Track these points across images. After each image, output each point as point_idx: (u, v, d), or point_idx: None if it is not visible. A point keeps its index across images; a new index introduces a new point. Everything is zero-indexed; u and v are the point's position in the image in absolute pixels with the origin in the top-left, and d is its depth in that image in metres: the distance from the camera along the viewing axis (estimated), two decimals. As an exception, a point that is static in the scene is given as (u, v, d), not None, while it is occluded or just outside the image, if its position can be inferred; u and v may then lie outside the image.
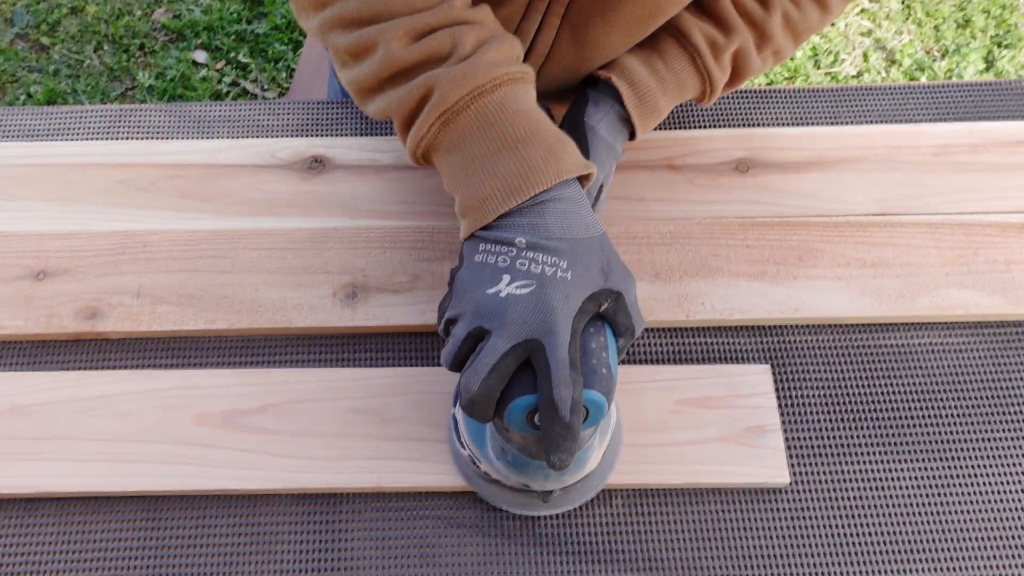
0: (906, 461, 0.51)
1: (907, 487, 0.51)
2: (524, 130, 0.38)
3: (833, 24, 1.43)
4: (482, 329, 0.36)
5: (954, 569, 0.48)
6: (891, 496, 0.50)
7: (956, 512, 0.50)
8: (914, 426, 0.53)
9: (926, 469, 0.51)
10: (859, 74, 1.37)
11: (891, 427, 0.53)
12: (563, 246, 0.37)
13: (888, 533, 0.49)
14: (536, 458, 0.41)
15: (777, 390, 0.53)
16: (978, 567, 0.48)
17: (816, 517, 0.50)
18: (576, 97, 0.53)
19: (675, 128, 0.64)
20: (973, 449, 0.52)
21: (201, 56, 1.37)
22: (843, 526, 0.50)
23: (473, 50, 0.39)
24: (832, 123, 0.64)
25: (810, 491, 0.50)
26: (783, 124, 0.65)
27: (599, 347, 0.37)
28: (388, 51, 0.39)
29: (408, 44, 0.39)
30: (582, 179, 0.40)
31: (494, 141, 0.38)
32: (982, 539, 0.49)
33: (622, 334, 0.39)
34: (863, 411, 0.53)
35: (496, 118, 0.38)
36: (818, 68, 1.38)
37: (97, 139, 0.63)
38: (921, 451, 0.52)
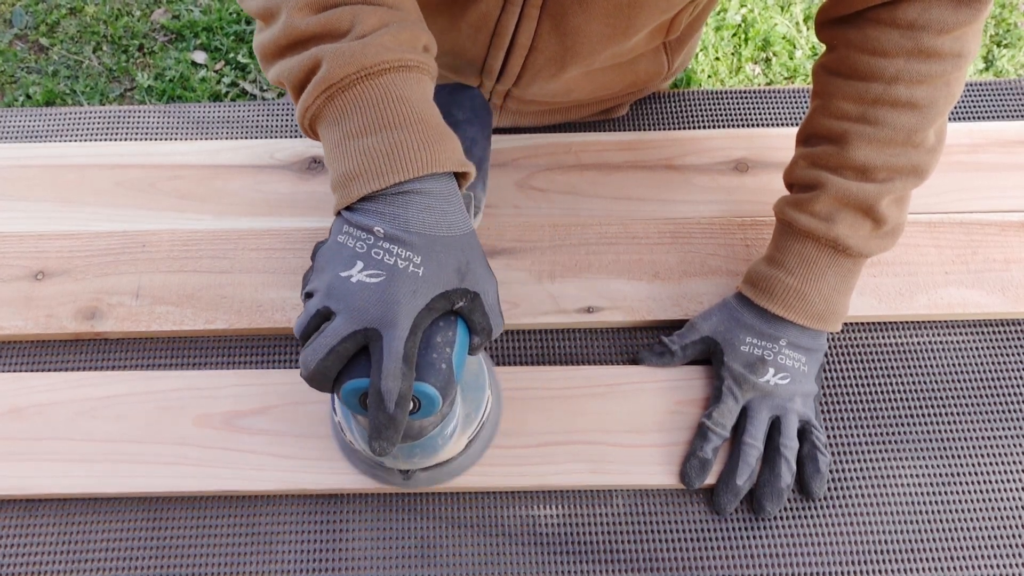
0: (906, 460, 0.51)
1: (907, 487, 0.51)
2: (403, 117, 0.38)
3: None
4: (329, 310, 0.37)
5: (954, 568, 0.48)
6: (891, 496, 0.50)
7: (956, 511, 0.50)
8: (914, 425, 0.53)
9: (926, 468, 0.51)
10: (858, 73, 1.36)
11: (891, 426, 0.53)
12: (420, 241, 0.37)
13: (888, 532, 0.49)
14: None
15: (777, 390, 0.53)
16: (978, 566, 0.48)
17: (816, 516, 0.50)
18: None
19: (675, 128, 0.64)
20: (973, 448, 0.52)
21: (200, 57, 1.37)
22: (843, 525, 0.50)
23: (371, 31, 0.39)
24: (831, 122, 0.64)
25: (810, 490, 0.50)
26: (783, 124, 0.65)
27: (445, 342, 0.38)
28: (288, 19, 0.39)
29: (308, 15, 0.39)
30: (460, 178, 0.40)
31: (371, 122, 0.38)
32: (982, 538, 0.49)
33: (478, 333, 0.40)
34: (863, 410, 0.53)
35: (377, 100, 0.38)
36: (817, 68, 1.37)
37: (96, 140, 0.63)
38: (921, 450, 0.52)
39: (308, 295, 0.38)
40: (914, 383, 0.54)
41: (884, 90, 0.47)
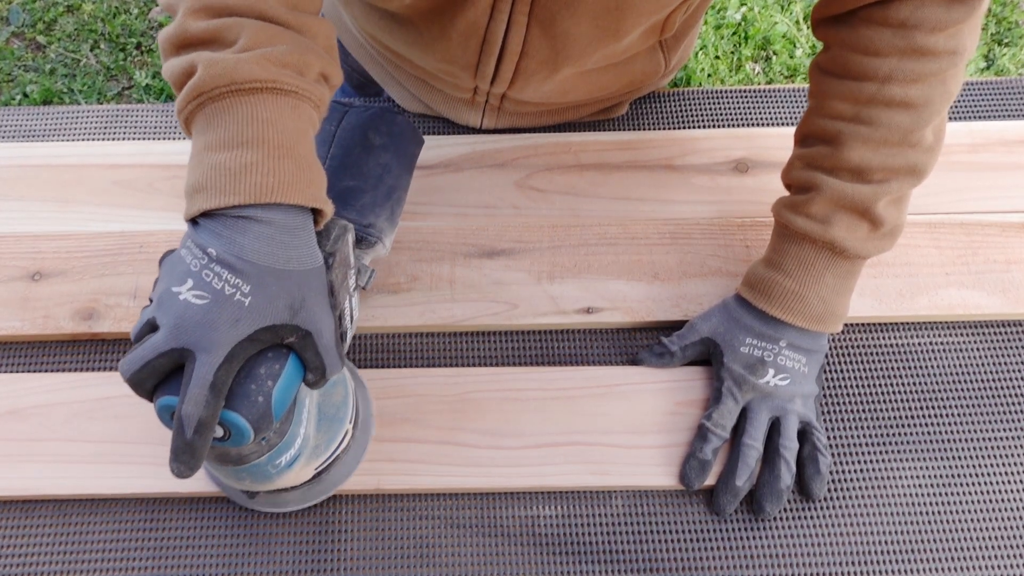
0: (906, 461, 0.51)
1: (907, 487, 0.51)
2: (262, 140, 0.37)
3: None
4: (155, 321, 0.37)
5: (954, 569, 0.48)
6: (891, 496, 0.50)
7: (956, 511, 0.50)
8: (914, 426, 0.53)
9: (926, 469, 0.51)
10: (858, 72, 1.36)
11: (891, 427, 0.53)
12: (251, 271, 0.36)
13: (888, 532, 0.49)
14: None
15: (777, 390, 0.53)
16: (978, 567, 0.48)
17: (816, 517, 0.50)
18: None
19: (674, 128, 0.64)
20: (973, 449, 0.52)
21: (198, 55, 1.37)
22: (843, 526, 0.49)
23: (254, 47, 0.38)
24: (831, 122, 0.64)
25: (810, 491, 0.50)
26: (783, 124, 0.64)
27: (268, 375, 0.37)
28: (182, 20, 0.39)
29: (200, 19, 0.39)
30: (318, 214, 0.39)
31: (230, 138, 0.37)
32: (982, 539, 0.49)
33: (311, 371, 0.39)
34: (863, 411, 0.53)
35: (242, 118, 0.37)
36: (817, 66, 1.37)
37: (93, 139, 0.63)
38: (921, 451, 0.52)
39: (151, 300, 0.38)
40: (914, 384, 0.54)
41: (878, 89, 0.46)
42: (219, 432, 0.37)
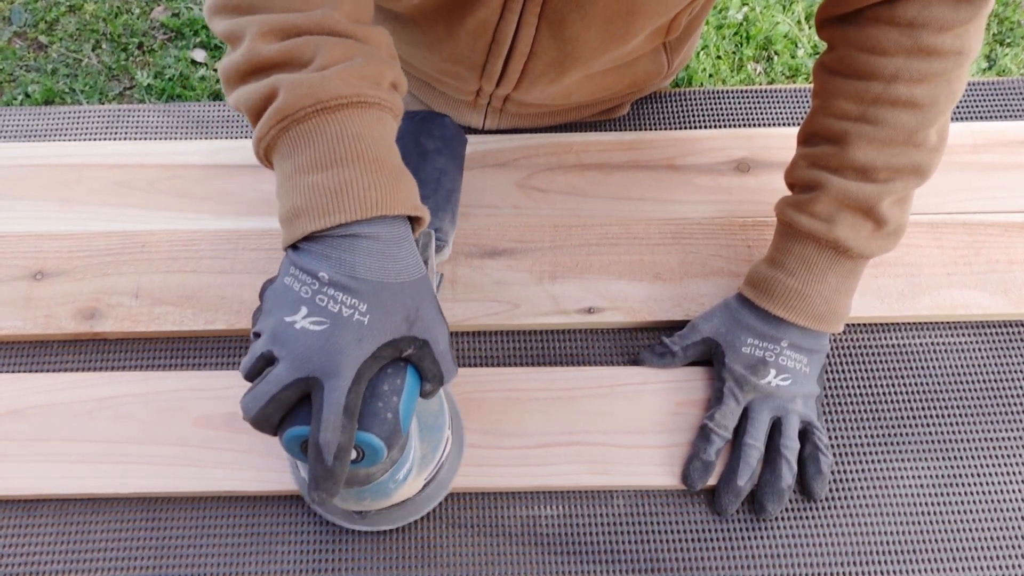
0: (907, 461, 0.51)
1: (908, 487, 0.51)
2: (356, 155, 0.37)
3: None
4: (272, 354, 0.36)
5: (955, 569, 0.48)
6: (892, 496, 0.50)
7: (957, 512, 0.50)
8: (916, 426, 0.53)
9: (927, 469, 0.51)
10: (860, 72, 1.36)
11: (893, 427, 0.52)
12: (366, 288, 0.36)
13: (889, 532, 0.49)
14: None
15: (778, 390, 0.53)
16: (979, 567, 0.48)
17: (817, 517, 0.50)
18: None
19: (676, 128, 0.64)
20: (974, 449, 0.52)
21: (200, 55, 1.37)
22: (844, 525, 0.49)
23: (332, 64, 0.38)
24: (833, 122, 0.64)
25: (811, 492, 0.50)
26: (785, 124, 0.64)
27: (391, 390, 0.37)
28: (251, 45, 0.38)
29: (271, 42, 0.38)
30: (413, 222, 0.39)
31: (323, 158, 0.37)
32: (983, 539, 0.49)
33: (429, 380, 0.39)
34: (865, 411, 0.53)
35: (331, 136, 0.37)
36: (819, 66, 1.37)
37: (95, 139, 0.63)
38: (922, 451, 0.52)
39: (256, 335, 0.37)
40: (916, 384, 0.54)
41: (884, 89, 0.46)
42: (353, 454, 0.37)
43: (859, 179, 0.48)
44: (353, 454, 0.37)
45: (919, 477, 0.51)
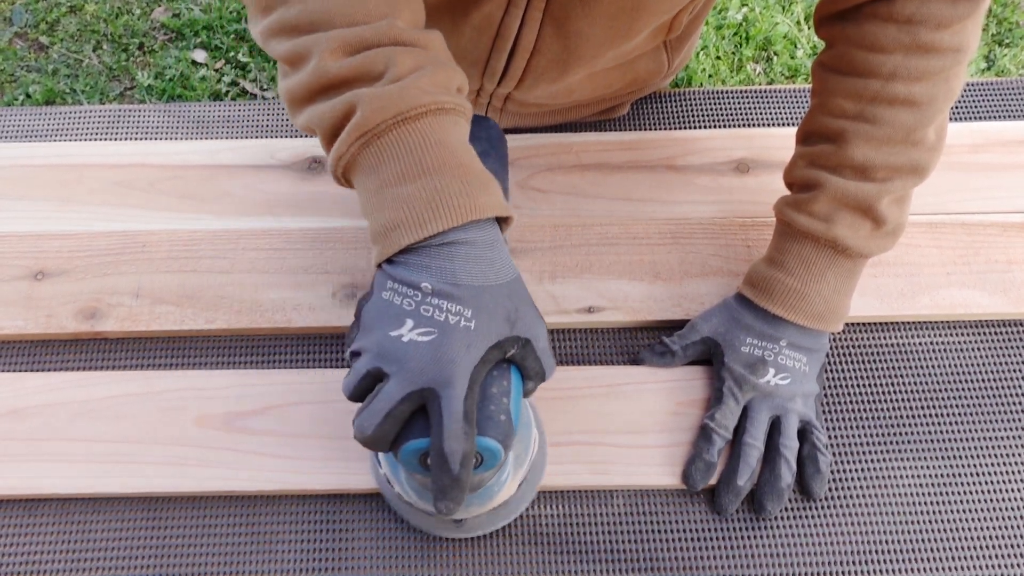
0: (906, 461, 0.51)
1: (907, 487, 0.51)
2: (442, 162, 0.37)
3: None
4: (381, 371, 0.36)
5: (954, 569, 0.48)
6: (891, 496, 0.50)
7: (956, 512, 0.50)
8: (915, 425, 0.53)
9: (926, 469, 0.51)
10: (859, 73, 1.36)
11: (892, 426, 0.53)
12: (468, 294, 0.36)
13: (889, 532, 0.49)
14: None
15: (778, 390, 0.53)
16: (978, 567, 0.48)
17: (817, 516, 0.50)
18: None
19: (675, 128, 0.64)
20: (974, 449, 0.52)
21: (200, 55, 1.37)
22: (843, 525, 0.50)
23: (406, 74, 0.38)
24: (832, 122, 0.64)
25: (811, 491, 0.50)
26: (784, 124, 0.64)
27: (500, 392, 0.37)
28: (320, 63, 0.38)
29: (341, 58, 0.38)
30: (501, 223, 0.39)
31: (411, 169, 0.37)
32: (982, 539, 0.49)
33: (531, 378, 0.39)
34: (864, 410, 0.53)
35: (416, 146, 0.37)
36: (818, 67, 1.37)
37: (96, 139, 0.63)
38: (922, 451, 0.52)
39: (354, 354, 0.37)
40: (915, 384, 0.54)
41: (882, 87, 0.46)
42: (473, 463, 0.37)
43: (857, 178, 0.48)
44: (473, 462, 0.37)
45: (918, 476, 0.51)
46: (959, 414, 0.53)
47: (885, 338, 0.56)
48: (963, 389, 0.54)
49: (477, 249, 0.37)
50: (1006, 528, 0.49)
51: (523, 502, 0.48)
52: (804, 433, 0.50)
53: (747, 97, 0.66)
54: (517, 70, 0.54)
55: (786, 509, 0.50)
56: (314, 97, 0.39)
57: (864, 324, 0.56)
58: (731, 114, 0.65)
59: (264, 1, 0.40)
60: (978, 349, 0.55)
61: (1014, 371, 0.54)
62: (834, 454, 0.52)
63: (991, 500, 0.50)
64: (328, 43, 0.38)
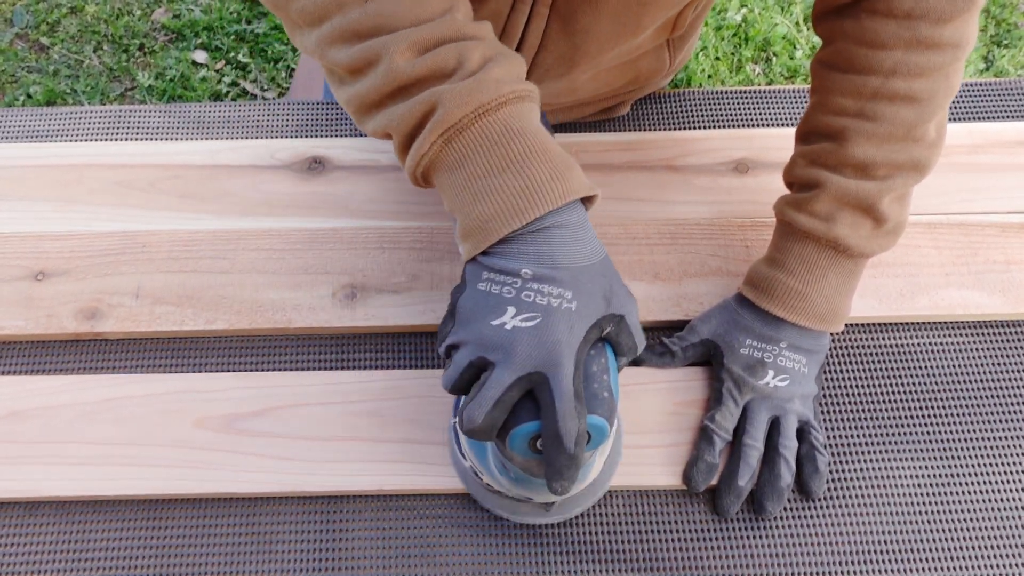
0: (906, 461, 0.51)
1: (907, 487, 0.51)
2: (529, 149, 0.37)
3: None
4: (485, 360, 0.36)
5: (954, 569, 0.48)
6: (891, 496, 0.50)
7: (956, 512, 0.50)
8: (914, 426, 0.53)
9: (926, 469, 0.51)
10: (859, 73, 1.36)
11: (891, 427, 0.53)
12: (567, 276, 0.36)
13: (888, 532, 0.49)
14: (538, 477, 0.42)
15: (777, 390, 0.53)
16: (978, 567, 0.48)
17: (816, 516, 0.50)
18: None
19: (675, 128, 0.64)
20: (973, 449, 0.52)
21: (201, 56, 1.37)
22: (843, 525, 0.50)
23: (479, 67, 0.38)
24: (832, 123, 0.64)
25: (810, 491, 0.50)
26: (783, 124, 0.65)
27: (600, 370, 0.38)
28: (392, 64, 0.37)
29: (413, 58, 0.38)
30: (585, 202, 0.40)
31: (498, 160, 0.37)
32: (982, 539, 0.49)
33: (624, 353, 0.40)
34: (863, 411, 0.53)
35: (500, 137, 0.37)
36: (818, 67, 1.37)
37: (96, 140, 0.63)
38: (921, 451, 0.52)
39: (452, 347, 0.37)
40: (914, 384, 0.54)
41: (882, 83, 0.46)
42: (586, 441, 0.37)
43: (858, 176, 0.48)
44: (586, 441, 0.37)
45: (917, 476, 0.51)
46: (958, 414, 0.53)
47: (884, 338, 0.56)
48: (962, 389, 0.54)
49: (571, 231, 0.37)
50: (1006, 528, 0.49)
51: (606, 482, 0.48)
52: (802, 433, 0.50)
53: (746, 98, 0.66)
54: None
55: (785, 509, 0.50)
56: (388, 100, 0.39)
57: (863, 324, 0.56)
58: (730, 115, 0.65)
59: (316, 12, 0.39)
60: (977, 349, 0.55)
61: (1013, 371, 0.55)
62: (833, 454, 0.52)
63: (990, 500, 0.50)
64: (398, 44, 0.38)
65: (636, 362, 0.54)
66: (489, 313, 0.36)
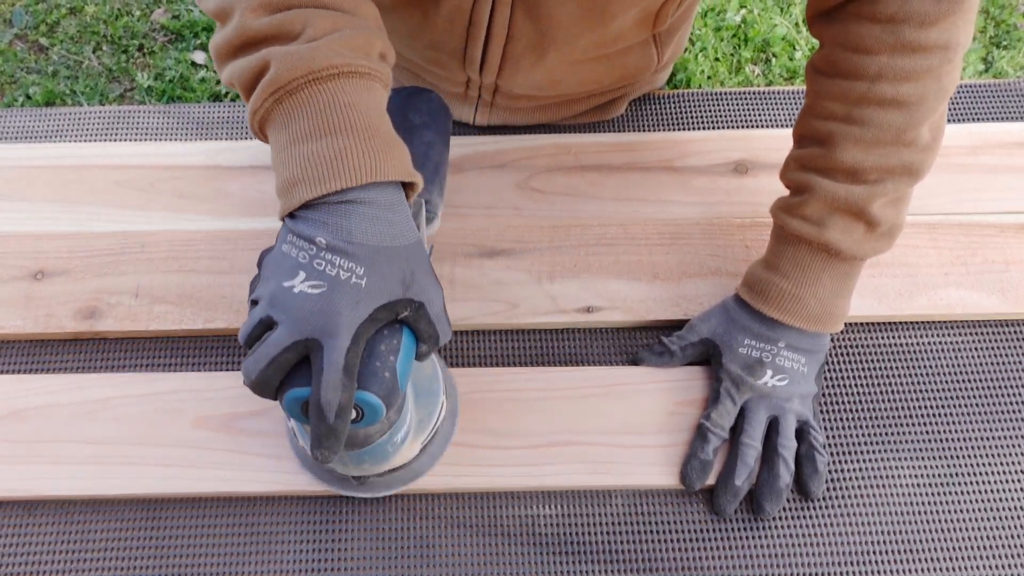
0: (906, 461, 0.52)
1: (907, 487, 0.51)
2: (350, 123, 0.37)
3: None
4: (271, 319, 0.37)
5: (954, 569, 0.48)
6: (891, 495, 0.50)
7: (956, 512, 0.50)
8: (914, 425, 0.53)
9: (926, 469, 0.51)
10: (858, 74, 1.36)
11: (891, 426, 0.53)
12: (363, 252, 0.37)
13: (888, 532, 0.49)
14: None
15: (776, 390, 0.53)
16: (978, 567, 0.48)
17: (815, 516, 0.50)
18: None
19: (674, 129, 0.64)
20: (973, 448, 0.52)
21: (200, 57, 1.37)
22: (842, 525, 0.50)
23: (322, 35, 0.38)
24: (831, 123, 0.64)
25: (809, 491, 0.50)
26: (782, 125, 0.65)
27: (389, 350, 0.38)
28: (241, 19, 0.39)
29: (260, 16, 0.39)
30: (408, 188, 0.40)
31: (318, 127, 0.37)
32: (982, 538, 0.49)
33: (424, 341, 0.40)
34: (863, 410, 0.53)
35: (324, 105, 0.37)
36: (817, 68, 1.37)
37: (96, 140, 0.63)
38: (921, 451, 0.52)
39: (254, 302, 0.38)
40: (914, 383, 0.54)
41: (868, 88, 0.46)
42: (352, 414, 0.38)
43: (848, 181, 0.48)
44: (353, 413, 0.38)
45: (916, 476, 0.51)
46: (957, 414, 0.53)
47: (883, 338, 0.56)
48: (961, 389, 0.54)
49: (375, 210, 0.37)
50: (1006, 528, 0.49)
51: (426, 465, 0.49)
52: (801, 433, 0.50)
53: (745, 98, 0.66)
54: (495, 58, 0.54)
55: (784, 509, 0.50)
56: (236, 53, 0.40)
57: (862, 324, 0.56)
58: (730, 115, 0.65)
59: None
60: (976, 349, 0.55)
61: (1011, 371, 0.55)
62: (832, 454, 0.52)
63: (990, 499, 0.50)
64: (250, 1, 0.39)
65: (635, 361, 0.54)
66: (284, 274, 0.37)
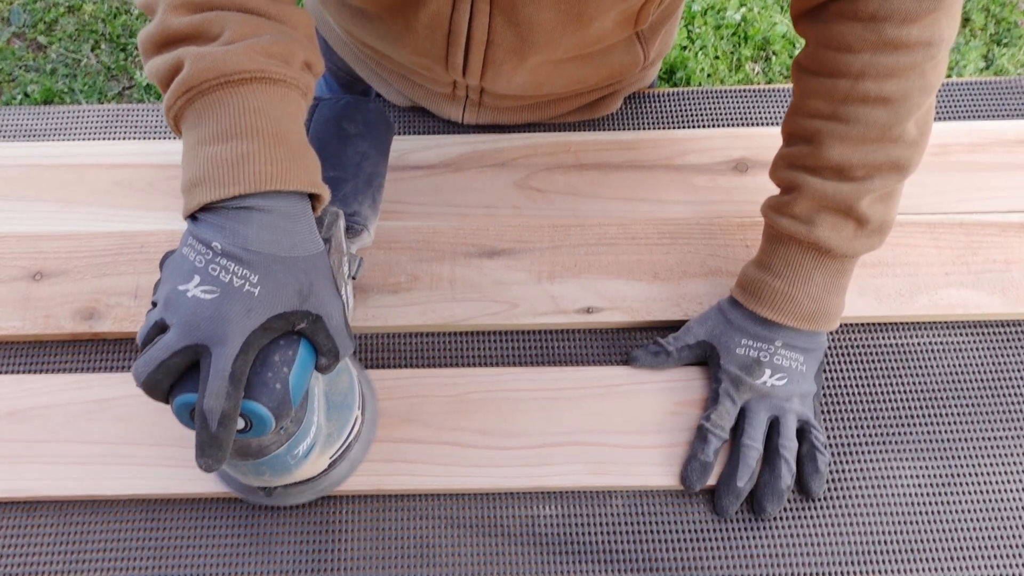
0: (906, 461, 0.52)
1: (907, 487, 0.51)
2: (256, 129, 0.37)
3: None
4: (165, 322, 0.37)
5: (954, 569, 0.48)
6: (891, 495, 0.50)
7: (956, 511, 0.50)
8: (914, 425, 0.53)
9: (926, 469, 0.51)
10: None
11: (891, 426, 0.53)
12: (258, 260, 0.36)
13: (888, 532, 0.49)
14: (233, 457, 0.42)
15: (776, 390, 0.53)
16: (978, 567, 0.48)
17: (816, 516, 0.50)
18: None
19: (674, 128, 0.64)
20: (973, 448, 0.52)
21: (199, 55, 1.37)
22: (843, 525, 0.50)
23: (239, 39, 0.39)
24: (831, 122, 0.64)
25: (809, 491, 0.50)
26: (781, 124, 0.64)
27: (283, 361, 0.37)
28: (164, 17, 0.39)
29: (182, 15, 0.39)
30: (315, 200, 0.40)
31: (224, 131, 0.37)
32: (982, 538, 0.49)
33: (324, 355, 0.39)
34: (863, 410, 0.53)
35: (233, 109, 0.37)
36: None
37: (94, 139, 0.63)
38: (921, 450, 0.52)
39: (153, 304, 0.38)
40: (914, 383, 0.54)
41: (852, 86, 0.46)
42: (240, 423, 0.37)
43: (835, 178, 0.48)
44: (241, 423, 0.37)
45: (917, 476, 0.51)
46: (957, 414, 0.53)
47: (883, 338, 0.56)
48: (961, 389, 0.54)
49: (275, 218, 0.37)
50: (1006, 528, 0.49)
51: (337, 479, 0.48)
52: (802, 433, 0.50)
53: (745, 97, 0.66)
54: (476, 62, 0.54)
55: (785, 509, 0.50)
56: (157, 49, 0.40)
57: (862, 324, 0.56)
58: (730, 114, 0.65)
59: None
60: (976, 349, 0.55)
61: (1012, 371, 0.55)
62: (833, 454, 0.52)
63: (989, 500, 0.50)
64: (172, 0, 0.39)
65: (629, 361, 0.54)
66: (180, 277, 0.37)
